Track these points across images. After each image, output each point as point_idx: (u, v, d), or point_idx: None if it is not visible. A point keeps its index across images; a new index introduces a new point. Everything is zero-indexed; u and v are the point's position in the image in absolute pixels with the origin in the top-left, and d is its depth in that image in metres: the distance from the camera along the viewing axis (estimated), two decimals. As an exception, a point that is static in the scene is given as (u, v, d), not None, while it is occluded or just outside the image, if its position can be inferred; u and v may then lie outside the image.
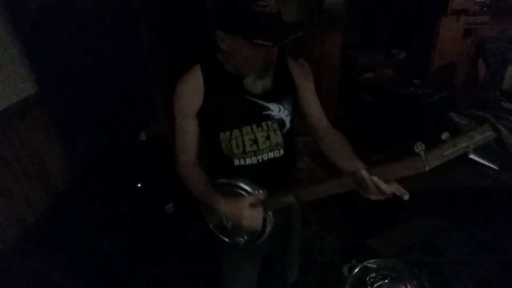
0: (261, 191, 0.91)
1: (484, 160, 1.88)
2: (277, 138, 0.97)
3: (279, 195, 0.89)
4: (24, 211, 1.38)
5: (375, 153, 2.43)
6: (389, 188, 0.74)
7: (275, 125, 0.97)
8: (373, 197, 0.77)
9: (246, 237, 0.99)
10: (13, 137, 1.36)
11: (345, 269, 1.22)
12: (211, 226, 1.07)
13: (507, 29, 2.88)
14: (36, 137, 1.48)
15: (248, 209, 0.87)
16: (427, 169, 0.65)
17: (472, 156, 1.88)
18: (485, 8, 2.78)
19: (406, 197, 0.74)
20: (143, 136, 2.44)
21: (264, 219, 0.93)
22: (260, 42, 0.75)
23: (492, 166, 1.84)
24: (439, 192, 1.99)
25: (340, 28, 2.75)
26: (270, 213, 0.94)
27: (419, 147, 0.64)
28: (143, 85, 2.42)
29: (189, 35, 3.11)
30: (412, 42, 3.16)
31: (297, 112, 1.05)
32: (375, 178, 0.74)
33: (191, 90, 0.94)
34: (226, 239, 1.05)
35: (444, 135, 0.63)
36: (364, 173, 0.74)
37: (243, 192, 0.93)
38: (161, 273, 1.96)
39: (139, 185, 1.93)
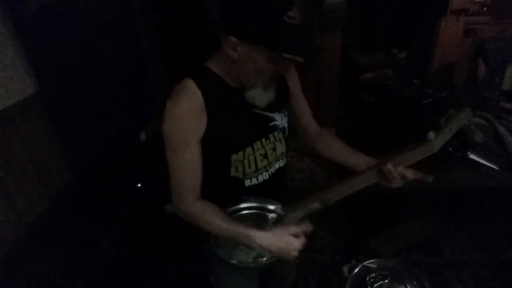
0: (279, 206, 0.87)
1: (484, 160, 1.88)
2: (282, 147, 0.94)
3: (302, 204, 0.86)
4: (24, 211, 1.38)
5: (375, 153, 2.42)
6: (412, 175, 0.81)
7: (280, 135, 0.93)
8: (395, 186, 0.81)
9: (265, 257, 0.90)
10: (13, 137, 1.36)
11: (345, 269, 1.22)
12: (223, 257, 0.94)
13: (507, 29, 2.88)
14: (36, 137, 1.48)
15: (297, 240, 0.82)
16: (435, 151, 0.76)
17: (472, 156, 1.88)
18: (485, 8, 2.78)
19: (431, 178, 0.81)
20: (143, 136, 2.44)
21: None
22: (289, 56, 0.69)
23: (492, 166, 1.84)
24: (439, 192, 1.99)
25: (340, 28, 2.75)
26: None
27: (432, 135, 0.74)
28: (143, 85, 2.42)
29: (189, 35, 3.11)
30: (412, 42, 3.16)
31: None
32: (400, 169, 0.79)
33: (192, 112, 0.78)
34: (244, 264, 0.94)
35: (442, 121, 0.78)
36: (390, 166, 0.79)
37: (263, 212, 0.87)
38: (161, 273, 1.96)
39: (139, 185, 1.93)
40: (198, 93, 0.78)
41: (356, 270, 1.18)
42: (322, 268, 1.94)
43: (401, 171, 0.79)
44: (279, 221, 0.87)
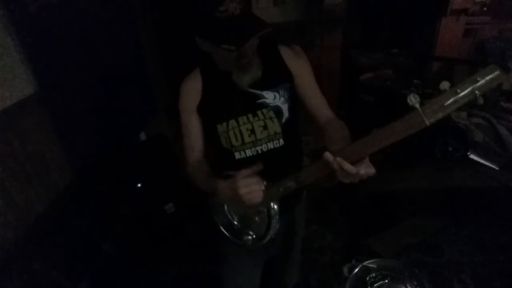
0: (264, 181, 0.90)
1: (484, 160, 1.88)
2: (275, 126, 0.96)
3: (281, 182, 0.88)
4: (24, 211, 1.38)
5: (374, 153, 2.42)
6: (355, 168, 0.69)
7: (271, 113, 0.96)
8: (346, 180, 0.72)
9: (253, 235, 0.99)
10: (13, 137, 1.36)
11: (345, 269, 1.22)
12: (220, 226, 1.06)
13: (507, 29, 2.88)
14: (36, 137, 1.48)
15: (242, 179, 0.86)
16: (427, 123, 0.56)
17: (472, 156, 1.89)
18: (485, 8, 2.78)
19: (372, 173, 0.72)
20: (143, 136, 2.44)
21: (269, 212, 0.93)
22: (226, 47, 0.80)
23: (492, 166, 1.84)
24: (439, 192, 1.99)
25: (340, 28, 2.75)
26: (275, 207, 0.92)
27: (413, 99, 0.56)
28: (143, 85, 2.42)
29: (189, 35, 3.11)
30: (412, 42, 3.16)
31: (297, 103, 1.03)
32: (338, 159, 0.69)
33: (191, 89, 1.00)
34: (235, 239, 1.04)
35: (443, 85, 0.54)
36: (327, 155, 0.70)
37: None
38: (161, 273, 1.96)
39: (139, 185, 1.93)
40: (199, 76, 1.01)
41: (356, 270, 1.19)
42: (322, 268, 1.94)
43: (339, 161, 0.69)
44: None
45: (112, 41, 2.00)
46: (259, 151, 0.97)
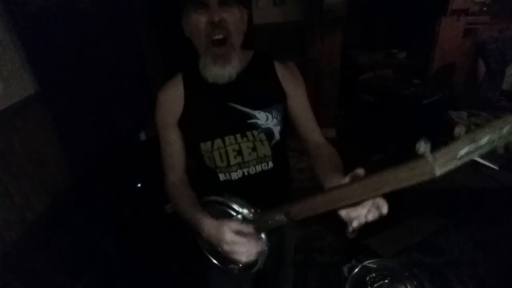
0: (252, 210, 0.81)
1: (484, 160, 1.88)
2: (265, 149, 0.88)
3: (270, 213, 0.77)
4: (24, 211, 1.39)
5: (375, 153, 2.43)
6: (364, 216, 0.68)
7: (262, 135, 0.88)
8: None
9: (240, 265, 0.86)
10: (13, 137, 1.36)
11: (345, 269, 1.22)
12: (205, 251, 0.96)
13: (507, 29, 2.88)
14: (36, 137, 1.48)
15: (230, 233, 0.75)
16: (436, 174, 0.46)
17: (472, 156, 1.89)
18: (485, 8, 2.78)
19: (352, 235, 0.69)
20: (143, 136, 2.44)
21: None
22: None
23: (492, 166, 1.84)
24: (439, 192, 1.99)
25: (340, 28, 2.75)
26: (263, 236, 0.82)
27: (423, 146, 0.46)
28: (143, 84, 2.42)
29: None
30: (412, 42, 3.16)
31: (288, 124, 0.96)
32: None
33: (171, 98, 0.90)
34: (220, 265, 0.93)
35: (458, 130, 0.45)
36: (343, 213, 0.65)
37: (231, 211, 0.83)
38: (161, 273, 1.96)
39: (139, 185, 1.93)
40: (180, 84, 0.90)
41: (356, 270, 1.19)
42: (322, 268, 1.94)
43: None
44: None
45: (112, 41, 2.00)
46: (246, 174, 0.88)
